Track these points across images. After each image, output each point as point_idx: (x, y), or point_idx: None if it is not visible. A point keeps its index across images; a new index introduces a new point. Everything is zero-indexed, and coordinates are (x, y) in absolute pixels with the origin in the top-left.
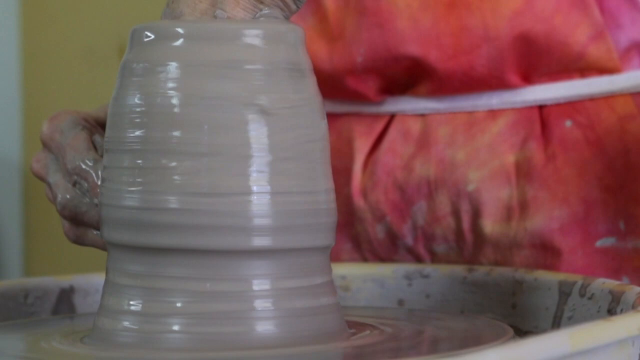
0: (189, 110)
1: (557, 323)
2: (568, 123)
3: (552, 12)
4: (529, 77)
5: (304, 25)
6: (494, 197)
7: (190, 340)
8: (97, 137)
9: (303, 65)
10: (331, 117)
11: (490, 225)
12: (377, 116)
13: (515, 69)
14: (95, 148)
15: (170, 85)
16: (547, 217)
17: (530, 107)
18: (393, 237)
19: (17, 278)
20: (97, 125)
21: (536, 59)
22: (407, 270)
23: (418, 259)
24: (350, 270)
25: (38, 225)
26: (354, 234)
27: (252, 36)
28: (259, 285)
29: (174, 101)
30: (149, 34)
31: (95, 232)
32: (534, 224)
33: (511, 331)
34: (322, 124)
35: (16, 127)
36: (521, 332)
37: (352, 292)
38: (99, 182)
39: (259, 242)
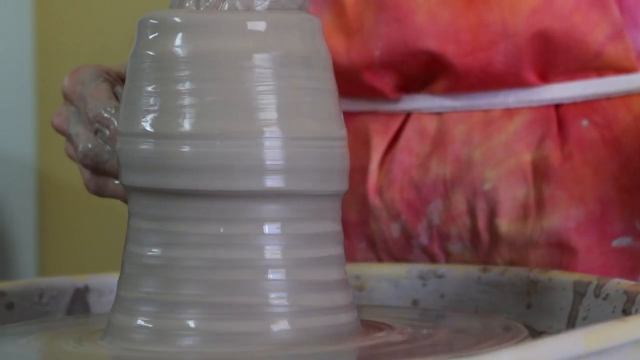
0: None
1: (571, 323)
2: (584, 122)
3: (571, 10)
4: (546, 76)
5: (322, 19)
6: (510, 196)
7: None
8: (118, 89)
9: (318, 54)
10: (347, 115)
11: (506, 224)
12: (393, 114)
13: (532, 66)
14: (116, 98)
15: (182, 72)
16: (564, 217)
17: (547, 106)
18: (408, 236)
19: (32, 278)
20: (118, 79)
21: (554, 57)
22: (422, 270)
23: (432, 259)
24: (364, 270)
25: (52, 224)
26: (369, 233)
27: (263, 26)
28: (270, 229)
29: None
30: (156, 23)
31: (116, 182)
32: (550, 223)
33: (526, 331)
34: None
35: (30, 126)
36: (535, 332)
37: (367, 292)
38: None
39: (271, 183)
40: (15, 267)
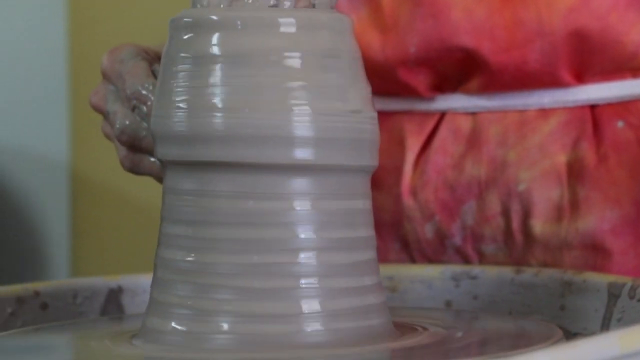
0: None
1: (606, 325)
2: (620, 124)
3: (608, 9)
4: (581, 76)
5: (357, 15)
6: (545, 197)
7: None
8: (156, 67)
9: (349, 52)
10: (382, 115)
11: (540, 225)
12: (428, 114)
13: (568, 66)
14: (154, 76)
15: (215, 67)
16: (599, 218)
17: (582, 107)
18: (442, 237)
19: (65, 278)
20: (156, 58)
21: (589, 56)
22: (455, 271)
23: (466, 259)
24: (397, 271)
25: (85, 225)
26: (403, 234)
27: (293, 23)
28: (301, 205)
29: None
30: (190, 21)
31: (151, 159)
32: (585, 224)
33: (560, 333)
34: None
35: (63, 127)
36: (570, 334)
37: (400, 293)
38: None
39: (301, 155)
40: (48, 267)
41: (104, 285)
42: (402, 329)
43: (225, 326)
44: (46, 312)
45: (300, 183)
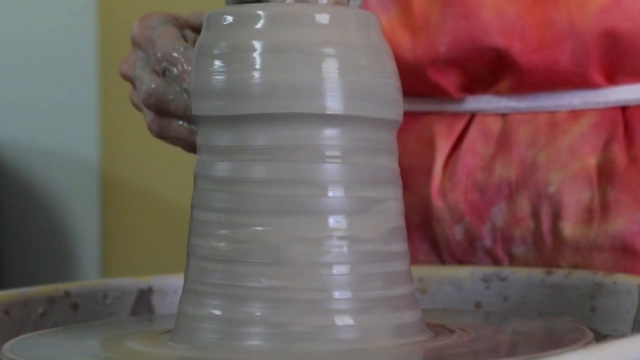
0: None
1: (637, 327)
2: None
3: (639, 10)
4: (612, 77)
5: (386, 15)
6: (575, 199)
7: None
8: (187, 32)
9: (377, 47)
10: (412, 116)
11: (570, 227)
12: (457, 115)
13: (599, 66)
14: (185, 41)
15: (252, 58)
16: (629, 220)
17: (613, 108)
18: (471, 239)
19: (95, 279)
20: (186, 25)
21: (621, 57)
22: (485, 272)
23: (496, 261)
24: (427, 273)
25: (115, 226)
26: (432, 235)
27: (327, 19)
28: (330, 150)
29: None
30: (228, 17)
31: (180, 123)
32: (615, 227)
33: (591, 334)
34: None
35: (94, 129)
36: (600, 336)
37: (429, 295)
38: (188, 69)
39: (331, 105)
40: (79, 268)
41: (134, 285)
42: (432, 330)
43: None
44: (76, 312)
45: (330, 134)
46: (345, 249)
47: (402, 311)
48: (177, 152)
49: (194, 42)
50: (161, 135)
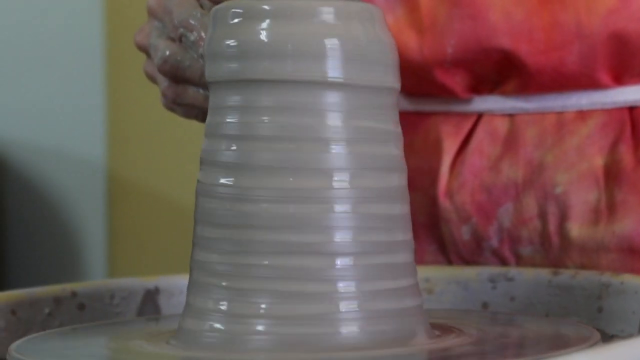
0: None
1: None
2: None
3: None
4: (620, 78)
5: (393, 15)
6: (582, 200)
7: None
8: (204, 0)
9: (380, 41)
10: (419, 116)
11: (577, 228)
12: (464, 116)
13: (606, 68)
14: (202, 8)
15: (261, 53)
16: (636, 221)
17: (621, 109)
18: (478, 239)
19: (102, 279)
20: None
21: (628, 58)
22: (492, 273)
23: (503, 261)
24: (434, 273)
25: (122, 226)
26: (439, 236)
27: (330, 13)
28: (333, 120)
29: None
30: (235, 12)
31: (195, 89)
32: (622, 228)
33: (598, 335)
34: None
35: (100, 129)
36: (607, 336)
37: (436, 295)
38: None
39: (332, 73)
40: (85, 268)
41: (140, 285)
42: (439, 330)
43: (261, 328)
44: (83, 312)
45: (332, 100)
46: (349, 239)
47: (404, 298)
48: (184, 151)
49: (210, 9)
50: (176, 102)
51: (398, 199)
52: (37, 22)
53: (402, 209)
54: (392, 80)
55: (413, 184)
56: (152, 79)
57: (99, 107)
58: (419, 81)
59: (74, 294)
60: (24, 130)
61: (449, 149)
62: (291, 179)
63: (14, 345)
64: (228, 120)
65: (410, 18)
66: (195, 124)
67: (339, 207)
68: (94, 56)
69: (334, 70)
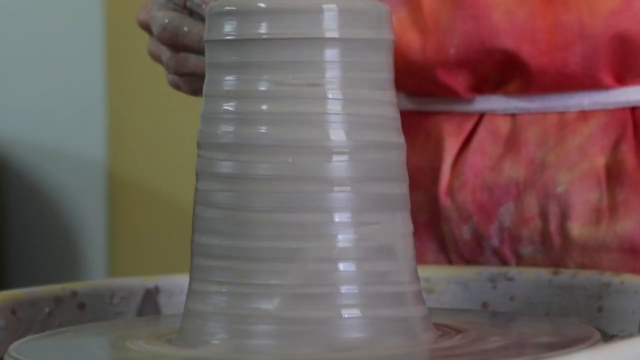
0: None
1: None
2: None
3: None
4: (622, 78)
5: (396, 16)
6: (583, 199)
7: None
8: None
9: (384, 40)
10: (421, 115)
11: (578, 228)
12: (466, 115)
13: (609, 68)
14: None
15: (260, 52)
16: (637, 221)
17: (623, 109)
18: (479, 238)
19: (102, 278)
20: None
21: (631, 59)
22: (492, 272)
23: (503, 261)
24: (434, 273)
25: (122, 226)
26: (440, 235)
27: (333, 10)
28: (330, 72)
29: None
30: (234, 9)
31: (196, 57)
32: (623, 227)
33: (598, 335)
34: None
35: (101, 128)
36: (607, 336)
37: (436, 294)
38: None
39: (329, 33)
40: (86, 267)
41: (141, 285)
42: (439, 330)
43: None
44: (83, 312)
45: (329, 53)
46: (351, 245)
47: (408, 306)
48: (185, 150)
49: None
50: (179, 71)
51: (399, 205)
52: (38, 22)
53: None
54: (388, 32)
55: (414, 183)
56: (156, 57)
57: (99, 107)
58: (421, 81)
59: (74, 294)
60: (24, 130)
61: (451, 148)
62: (290, 160)
63: (13, 346)
64: (226, 79)
65: (413, 18)
66: (195, 125)
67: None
68: (95, 56)
69: (331, 28)
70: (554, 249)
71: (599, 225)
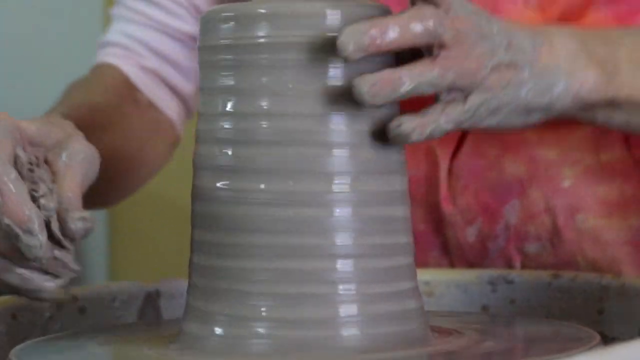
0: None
1: None
2: None
3: None
4: None
5: None
6: (592, 192)
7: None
8: (20, 151)
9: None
10: None
11: (591, 219)
12: None
13: None
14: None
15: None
16: None
17: None
18: (484, 239)
19: (103, 282)
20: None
21: None
22: (491, 276)
23: (508, 260)
24: (433, 276)
25: (123, 230)
26: (443, 241)
27: (334, 16)
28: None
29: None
30: (228, 15)
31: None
32: (637, 221)
33: (598, 337)
34: None
35: None
36: (608, 339)
37: (436, 298)
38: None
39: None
40: (86, 271)
41: (141, 289)
42: (439, 333)
43: (262, 331)
44: (84, 316)
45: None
46: (350, 243)
47: (405, 300)
48: (185, 154)
49: (28, 160)
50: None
51: (399, 201)
52: (38, 22)
53: (403, 211)
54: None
55: (411, 195)
56: None
57: None
58: None
59: (75, 298)
60: None
61: (443, 155)
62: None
63: (14, 351)
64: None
65: None
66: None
67: (339, 210)
68: (95, 57)
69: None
70: (563, 244)
71: (611, 218)
